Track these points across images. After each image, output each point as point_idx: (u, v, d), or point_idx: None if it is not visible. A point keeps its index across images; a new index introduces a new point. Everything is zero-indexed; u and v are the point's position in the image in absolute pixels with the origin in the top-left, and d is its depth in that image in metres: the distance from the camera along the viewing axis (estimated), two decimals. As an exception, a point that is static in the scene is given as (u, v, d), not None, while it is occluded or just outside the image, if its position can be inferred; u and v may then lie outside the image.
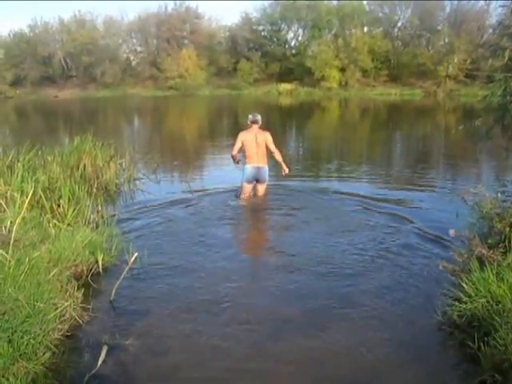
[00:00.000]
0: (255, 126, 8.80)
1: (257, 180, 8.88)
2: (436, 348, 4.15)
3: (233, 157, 8.75)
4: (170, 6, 70.70)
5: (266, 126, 9.29)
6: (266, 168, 8.84)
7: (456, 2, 58.69)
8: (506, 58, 6.03)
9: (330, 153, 17.09)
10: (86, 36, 67.36)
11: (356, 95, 54.99)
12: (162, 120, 32.34)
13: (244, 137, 8.74)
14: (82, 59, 66.81)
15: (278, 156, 8.91)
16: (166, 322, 4.62)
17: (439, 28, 61.37)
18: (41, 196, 6.99)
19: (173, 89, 62.70)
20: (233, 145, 8.89)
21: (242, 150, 8.80)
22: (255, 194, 9.04)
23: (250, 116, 8.84)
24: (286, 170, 9.05)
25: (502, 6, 6.82)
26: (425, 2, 58.49)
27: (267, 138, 8.79)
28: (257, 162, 8.73)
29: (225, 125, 29.15)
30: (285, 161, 9.06)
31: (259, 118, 8.84)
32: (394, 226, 7.44)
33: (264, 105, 42.42)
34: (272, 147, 8.83)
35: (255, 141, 8.71)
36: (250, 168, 8.76)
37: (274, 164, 9.33)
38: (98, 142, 11.10)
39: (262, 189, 9.01)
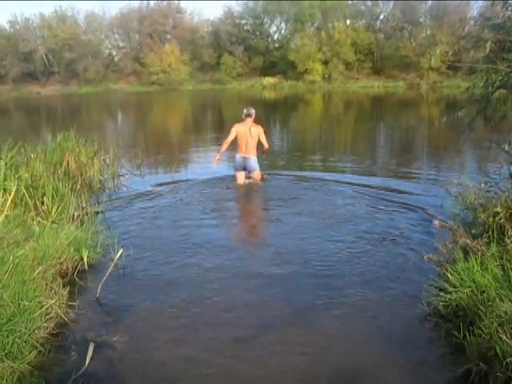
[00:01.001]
0: (249, 119, 9.51)
1: (245, 169, 9.59)
2: (422, 338, 4.18)
3: (222, 149, 9.61)
4: (152, 0, 69.81)
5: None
6: (254, 158, 9.54)
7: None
8: (488, 50, 6.07)
9: (314, 145, 17.26)
10: (68, 32, 66.64)
11: (339, 88, 55.12)
12: (146, 115, 32.21)
13: (238, 128, 9.47)
14: (63, 55, 66.14)
15: (265, 148, 9.77)
16: (152, 318, 4.61)
17: (421, 20, 61.64)
18: (24, 194, 6.92)
19: (156, 84, 62.38)
20: (226, 137, 9.58)
21: (233, 141, 9.49)
22: (250, 181, 9.68)
23: (245, 110, 9.55)
24: (263, 157, 10.08)
25: (483, -1, 6.86)
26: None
27: (260, 131, 9.50)
28: (245, 152, 9.44)
29: (208, 119, 29.11)
30: (268, 152, 10.11)
31: (253, 111, 9.55)
32: (378, 217, 7.51)
33: (248, 99, 42.34)
34: (264, 141, 9.59)
35: (249, 133, 9.42)
36: (238, 157, 9.54)
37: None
38: (81, 138, 11.00)
39: (256, 176, 9.67)
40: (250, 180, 9.69)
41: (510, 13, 6.36)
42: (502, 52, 6.47)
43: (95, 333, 4.19)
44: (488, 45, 6.06)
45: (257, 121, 9.79)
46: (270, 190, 9.42)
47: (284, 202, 8.53)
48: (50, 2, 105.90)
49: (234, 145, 9.64)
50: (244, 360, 3.94)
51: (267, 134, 9.80)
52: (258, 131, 9.48)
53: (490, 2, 6.47)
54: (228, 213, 8.09)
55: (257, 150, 9.63)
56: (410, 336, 4.21)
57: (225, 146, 9.57)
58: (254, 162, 9.56)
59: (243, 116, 9.57)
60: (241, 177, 9.66)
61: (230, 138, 9.47)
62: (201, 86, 62.50)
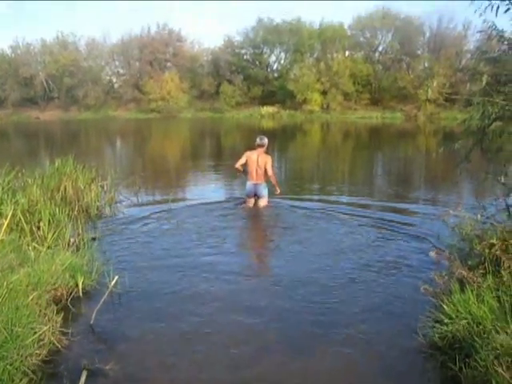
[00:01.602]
0: (260, 149, 10.04)
1: (255, 195, 10.09)
2: (417, 370, 4.15)
3: (237, 169, 10.16)
4: (153, 28, 70.44)
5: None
6: (263, 185, 10.05)
7: (435, 27, 59.77)
8: (484, 83, 6.14)
9: (313, 174, 17.31)
10: (69, 58, 67.23)
11: (338, 118, 55.50)
12: (145, 142, 32.31)
13: (249, 155, 10.02)
14: (64, 81, 66.66)
15: (272, 179, 10.08)
16: (146, 346, 4.57)
17: (419, 52, 62.49)
18: (20, 218, 6.91)
19: (155, 111, 62.71)
20: (236, 160, 10.15)
21: (244, 165, 10.08)
22: (256, 207, 10.14)
23: (258, 139, 10.09)
24: (278, 191, 10.21)
25: (480, 32, 6.96)
26: (405, 27, 59.67)
27: (267, 161, 9.95)
28: (255, 179, 9.98)
29: (207, 147, 29.22)
30: (278, 183, 10.28)
31: (266, 141, 10.11)
32: (375, 248, 7.52)
33: (246, 128, 42.60)
34: (269, 170, 9.96)
35: (257, 161, 9.94)
36: (249, 184, 10.10)
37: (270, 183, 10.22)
38: (79, 164, 11.03)
39: (262, 203, 10.14)
40: (255, 205, 10.15)
41: (505, 47, 6.45)
42: (498, 85, 6.54)
43: (88, 360, 4.14)
44: (484, 78, 6.14)
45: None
46: (270, 217, 9.61)
47: (283, 231, 8.63)
48: (52, 27, 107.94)
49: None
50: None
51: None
52: (264, 160, 9.94)
53: (487, 36, 6.56)
54: (225, 240, 8.06)
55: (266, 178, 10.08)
56: (405, 368, 4.18)
57: (237, 165, 10.10)
58: (263, 188, 10.06)
59: (256, 145, 10.09)
60: (251, 201, 10.20)
61: (241, 161, 10.05)
62: (200, 114, 62.85)
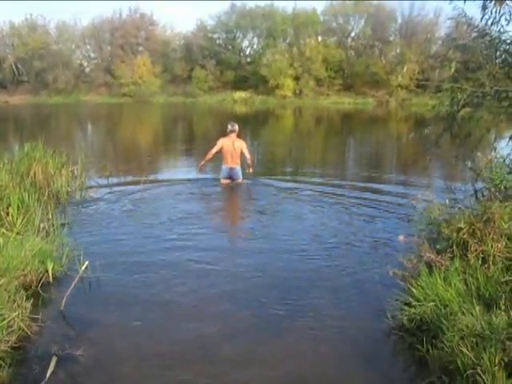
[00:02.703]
0: (233, 134, 10.77)
1: (230, 177, 10.78)
2: (386, 352, 4.24)
3: (207, 158, 10.77)
4: (125, 12, 69.34)
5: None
6: (239, 168, 10.82)
7: (407, 13, 60.10)
8: (453, 70, 6.22)
9: (285, 157, 17.47)
10: (38, 41, 65.84)
11: (310, 104, 55.58)
12: (116, 127, 31.98)
13: (224, 142, 10.70)
14: (33, 64, 65.27)
15: (249, 160, 10.90)
16: (117, 331, 4.57)
17: (391, 39, 62.79)
18: (-12, 204, 6.81)
19: (127, 96, 61.97)
20: (211, 147, 10.78)
21: (218, 152, 10.71)
22: (231, 185, 10.83)
23: (229, 125, 10.82)
24: (251, 170, 11.05)
25: (450, 19, 7.03)
26: (377, 13, 59.90)
27: (243, 145, 10.79)
28: (230, 163, 10.69)
29: (179, 132, 29.04)
30: (253, 164, 11.18)
31: (237, 127, 10.82)
32: (344, 230, 7.70)
33: (219, 113, 42.45)
34: (247, 152, 10.83)
35: (232, 146, 10.63)
36: (224, 168, 10.78)
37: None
38: (49, 149, 10.85)
39: (237, 185, 10.85)
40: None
41: (475, 34, 6.53)
42: (467, 72, 6.63)
43: (58, 346, 4.11)
44: (453, 65, 6.21)
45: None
46: (244, 197, 10.35)
47: (255, 211, 8.98)
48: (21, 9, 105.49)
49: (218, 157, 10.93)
50: (208, 372, 3.93)
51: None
52: (240, 145, 10.75)
53: (456, 24, 6.64)
54: (198, 222, 8.08)
55: (240, 161, 10.82)
56: (374, 349, 4.26)
57: (209, 155, 10.77)
58: (238, 171, 10.83)
59: (228, 131, 10.81)
60: (226, 182, 10.85)
61: (215, 149, 10.70)
62: (172, 98, 62.29)
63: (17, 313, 4.37)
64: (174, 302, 5.15)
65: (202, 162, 11.02)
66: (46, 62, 65.03)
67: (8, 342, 4.08)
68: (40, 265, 5.53)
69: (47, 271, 5.52)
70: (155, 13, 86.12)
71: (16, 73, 66.92)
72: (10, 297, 4.60)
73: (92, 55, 72.40)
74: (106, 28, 68.94)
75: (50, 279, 5.52)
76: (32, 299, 4.84)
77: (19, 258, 5.39)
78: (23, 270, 5.32)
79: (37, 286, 5.35)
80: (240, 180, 10.88)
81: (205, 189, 10.71)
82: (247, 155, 10.84)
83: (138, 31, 69.02)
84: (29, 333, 4.36)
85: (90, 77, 68.72)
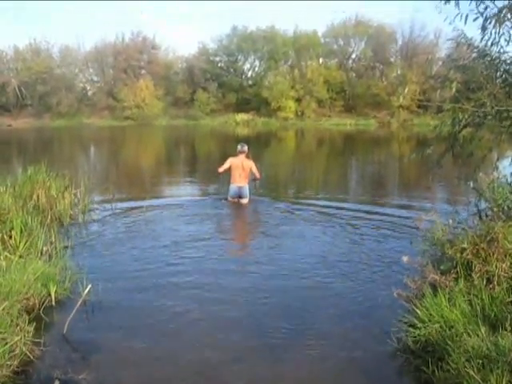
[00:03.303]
0: (242, 155, 11.32)
1: (239, 196, 11.21)
2: (392, 374, 4.20)
3: (219, 172, 11.30)
4: (128, 35, 70.00)
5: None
6: (247, 187, 11.27)
7: (407, 35, 60.56)
8: (454, 90, 6.24)
9: (288, 178, 17.61)
10: (42, 65, 66.36)
11: (312, 125, 55.81)
12: (119, 150, 32.06)
13: (233, 161, 11.25)
14: (37, 88, 65.72)
15: (258, 178, 11.56)
16: (119, 355, 4.54)
17: (392, 60, 63.26)
18: (-9, 228, 6.81)
19: (129, 119, 62.20)
20: (220, 165, 11.30)
21: (227, 170, 11.25)
22: (239, 204, 11.22)
23: (239, 146, 11.39)
24: (257, 184, 11.80)
25: (450, 40, 7.08)
26: (378, 35, 60.41)
27: (251, 165, 11.31)
28: (239, 182, 11.17)
29: (182, 154, 29.12)
30: (260, 180, 11.87)
31: (246, 148, 11.40)
32: (348, 251, 7.68)
33: (221, 135, 42.61)
34: (255, 171, 11.37)
35: (241, 166, 11.16)
36: (233, 187, 11.24)
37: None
38: (52, 172, 10.89)
39: (244, 202, 11.27)
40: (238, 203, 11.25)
41: (475, 54, 6.56)
42: (468, 92, 6.65)
43: (61, 370, 4.09)
44: (454, 85, 6.24)
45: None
46: (251, 216, 10.64)
47: (260, 231, 9.12)
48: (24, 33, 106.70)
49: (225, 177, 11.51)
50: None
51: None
52: (249, 164, 11.28)
53: (456, 45, 6.68)
54: (203, 243, 8.06)
55: (248, 180, 11.33)
56: (380, 372, 4.22)
57: (221, 169, 11.28)
58: (246, 190, 11.27)
59: (237, 151, 11.38)
60: (234, 201, 11.26)
61: (225, 166, 11.24)
62: (174, 121, 62.54)
63: (19, 337, 4.34)
64: (177, 326, 5.11)
65: (221, 169, 11.34)
66: (49, 86, 65.47)
67: (10, 366, 4.06)
68: (43, 288, 5.52)
69: (50, 295, 5.51)
70: (157, 36, 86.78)
71: (20, 97, 67.36)
72: (12, 320, 4.59)
73: (95, 79, 72.99)
74: (108, 52, 69.51)
75: (53, 303, 5.51)
76: (34, 323, 4.82)
77: (22, 282, 5.38)
78: (26, 294, 5.31)
79: (39, 310, 5.33)
80: (247, 199, 11.28)
81: (209, 210, 10.77)
82: (256, 174, 11.42)
83: (141, 55, 69.57)
84: (31, 357, 4.33)
85: (92, 100, 69.15)
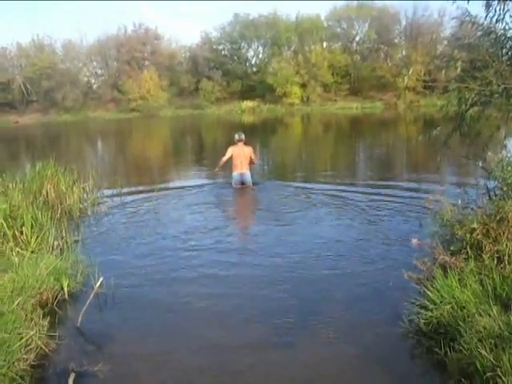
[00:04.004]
0: (240, 143, 11.81)
1: (242, 182, 11.64)
2: (404, 356, 4.21)
3: (220, 164, 11.80)
4: (130, 27, 69.84)
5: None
6: (248, 173, 11.74)
7: (411, 15, 60.01)
8: (459, 69, 6.20)
9: (296, 163, 17.64)
10: (46, 60, 66.37)
11: (318, 110, 55.58)
12: (125, 142, 32.10)
13: (233, 149, 11.73)
14: (42, 84, 65.77)
15: (255, 160, 12.05)
16: (134, 346, 4.58)
17: (396, 41, 62.76)
18: (2, 224, 6.86)
19: (135, 111, 62.19)
20: (222, 155, 11.79)
21: (229, 158, 11.70)
22: (243, 189, 11.63)
23: (236, 135, 11.86)
24: (255, 162, 12.20)
25: (454, 18, 7.02)
26: (381, 16, 59.94)
27: (250, 151, 11.78)
28: (240, 169, 11.64)
29: (189, 144, 29.11)
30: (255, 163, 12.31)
31: (243, 136, 11.88)
32: (358, 234, 7.69)
33: (227, 123, 42.53)
34: (253, 157, 11.88)
35: (242, 153, 11.64)
36: (235, 174, 11.69)
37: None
38: (60, 166, 10.92)
39: (248, 186, 11.68)
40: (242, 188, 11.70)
41: (480, 33, 6.50)
42: (474, 71, 6.60)
43: (76, 363, 4.13)
44: (459, 64, 6.20)
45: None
46: (256, 200, 10.82)
47: (267, 214, 9.27)
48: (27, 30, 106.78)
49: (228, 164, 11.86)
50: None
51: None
52: (249, 151, 11.75)
53: (460, 23, 6.62)
54: (213, 232, 8.10)
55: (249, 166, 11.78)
56: (392, 354, 4.23)
57: (221, 162, 11.78)
58: (248, 175, 11.72)
59: (235, 140, 11.82)
60: (238, 187, 11.66)
61: (227, 156, 11.69)
62: (180, 111, 62.48)
63: (34, 331, 4.40)
64: (190, 316, 5.16)
65: (217, 169, 12.02)
66: (54, 81, 65.48)
67: (26, 360, 4.11)
68: (55, 282, 5.58)
69: (63, 288, 5.57)
70: (159, 27, 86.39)
71: (25, 93, 67.48)
72: (26, 315, 4.64)
73: (99, 72, 72.95)
74: (111, 44, 69.40)
75: (66, 296, 5.56)
76: (49, 317, 4.88)
77: (34, 277, 5.43)
78: (39, 289, 5.36)
79: (53, 304, 5.38)
80: (250, 184, 11.72)
81: (217, 197, 11.09)
82: (254, 159, 11.92)
83: (144, 46, 69.41)
84: (47, 350, 4.38)
85: (97, 93, 69.17)
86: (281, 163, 17.82)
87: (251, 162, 11.91)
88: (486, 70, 6.29)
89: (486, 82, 6.17)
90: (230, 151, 11.72)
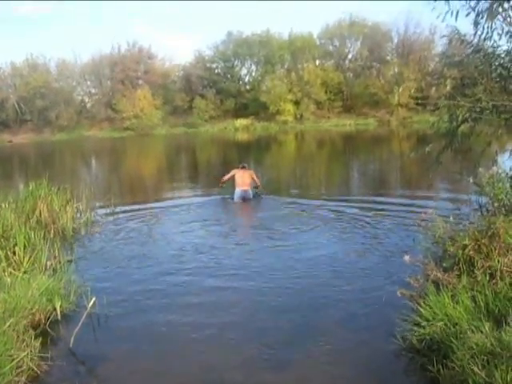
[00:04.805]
0: (243, 169, 12.92)
1: (243, 198, 12.53)
2: (397, 373, 4.20)
3: (222, 181, 13.02)
4: (123, 46, 70.18)
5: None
6: (250, 191, 12.72)
7: (402, 32, 60.51)
8: (448, 87, 6.26)
9: (291, 179, 17.71)
10: (39, 79, 66.49)
11: (311, 127, 55.79)
12: (119, 161, 32.09)
13: (236, 171, 12.85)
14: (35, 103, 65.84)
15: (258, 181, 13.04)
16: (126, 367, 4.55)
17: (388, 58, 63.23)
18: (-6, 245, 6.84)
19: (129, 129, 62.25)
20: (223, 175, 13.05)
21: (230, 178, 12.85)
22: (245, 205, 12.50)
23: (240, 165, 13.11)
24: (259, 187, 13.10)
25: (444, 37, 7.11)
26: (373, 33, 60.46)
27: (252, 173, 12.96)
28: (242, 186, 12.61)
29: (183, 162, 29.13)
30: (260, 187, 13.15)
31: (246, 166, 13.25)
32: (352, 250, 7.73)
33: (221, 141, 42.66)
34: (255, 178, 12.94)
35: (244, 174, 12.73)
36: (238, 191, 12.61)
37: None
38: (53, 186, 10.90)
39: (249, 201, 12.59)
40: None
41: (469, 50, 6.58)
42: (464, 88, 6.67)
43: (68, 384, 4.10)
44: (448, 82, 6.26)
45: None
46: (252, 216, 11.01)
47: (261, 232, 9.26)
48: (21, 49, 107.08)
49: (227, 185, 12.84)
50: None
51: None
52: (250, 173, 12.90)
53: (448, 41, 6.70)
54: (207, 252, 8.06)
55: (251, 185, 12.72)
56: (386, 371, 4.22)
57: (224, 179, 13.00)
58: (250, 192, 12.70)
59: (240, 166, 13.02)
60: (240, 202, 12.51)
61: (229, 175, 12.92)
62: (174, 129, 62.59)
63: (26, 352, 4.36)
64: (182, 336, 5.13)
65: (220, 184, 13.14)
66: (48, 100, 65.59)
67: (18, 382, 4.08)
68: (48, 303, 5.54)
69: (55, 309, 5.53)
70: (153, 46, 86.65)
71: (19, 112, 67.49)
72: (18, 336, 4.61)
73: (93, 91, 73.14)
74: (105, 63, 69.68)
75: (59, 317, 5.52)
76: (41, 338, 4.85)
77: (27, 297, 5.40)
78: (31, 309, 5.32)
79: (45, 325, 5.34)
80: (250, 200, 12.62)
81: (212, 215, 11.14)
82: (257, 181, 12.95)
83: (137, 65, 69.71)
84: (38, 372, 4.35)
85: (91, 112, 69.32)
86: (276, 180, 17.87)
87: (256, 186, 12.97)
88: (475, 87, 6.36)
89: (476, 99, 6.23)
90: (233, 172, 12.90)
